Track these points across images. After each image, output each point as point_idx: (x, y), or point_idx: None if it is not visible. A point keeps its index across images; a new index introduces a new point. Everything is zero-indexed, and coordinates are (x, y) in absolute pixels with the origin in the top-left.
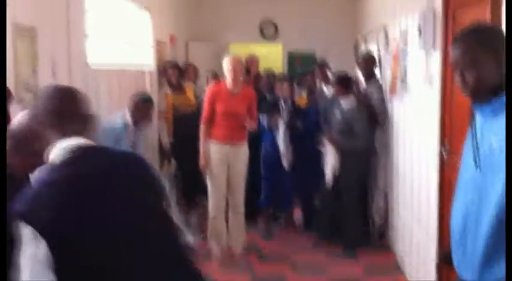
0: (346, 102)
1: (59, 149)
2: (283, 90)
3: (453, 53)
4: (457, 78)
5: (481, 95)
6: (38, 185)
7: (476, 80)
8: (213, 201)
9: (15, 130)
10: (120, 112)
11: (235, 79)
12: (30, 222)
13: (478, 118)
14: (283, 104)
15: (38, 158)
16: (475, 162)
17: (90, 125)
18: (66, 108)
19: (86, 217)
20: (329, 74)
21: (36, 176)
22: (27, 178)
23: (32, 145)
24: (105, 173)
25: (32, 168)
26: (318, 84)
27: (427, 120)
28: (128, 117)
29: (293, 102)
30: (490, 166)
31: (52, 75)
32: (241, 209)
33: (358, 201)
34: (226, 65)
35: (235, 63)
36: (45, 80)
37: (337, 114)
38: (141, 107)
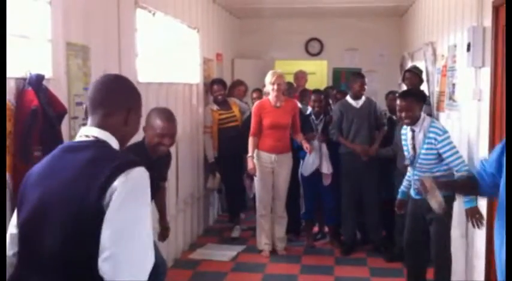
0: None
1: None
2: (314, 105)
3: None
4: None
5: None
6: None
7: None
8: (261, 201)
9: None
10: None
11: (277, 94)
12: None
13: None
14: (314, 118)
15: None
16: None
17: None
18: None
19: None
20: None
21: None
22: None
23: None
24: None
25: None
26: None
27: (476, 136)
28: None
29: (325, 115)
30: None
31: None
32: (284, 213)
33: None
34: (268, 80)
35: (277, 78)
36: None
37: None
38: None
